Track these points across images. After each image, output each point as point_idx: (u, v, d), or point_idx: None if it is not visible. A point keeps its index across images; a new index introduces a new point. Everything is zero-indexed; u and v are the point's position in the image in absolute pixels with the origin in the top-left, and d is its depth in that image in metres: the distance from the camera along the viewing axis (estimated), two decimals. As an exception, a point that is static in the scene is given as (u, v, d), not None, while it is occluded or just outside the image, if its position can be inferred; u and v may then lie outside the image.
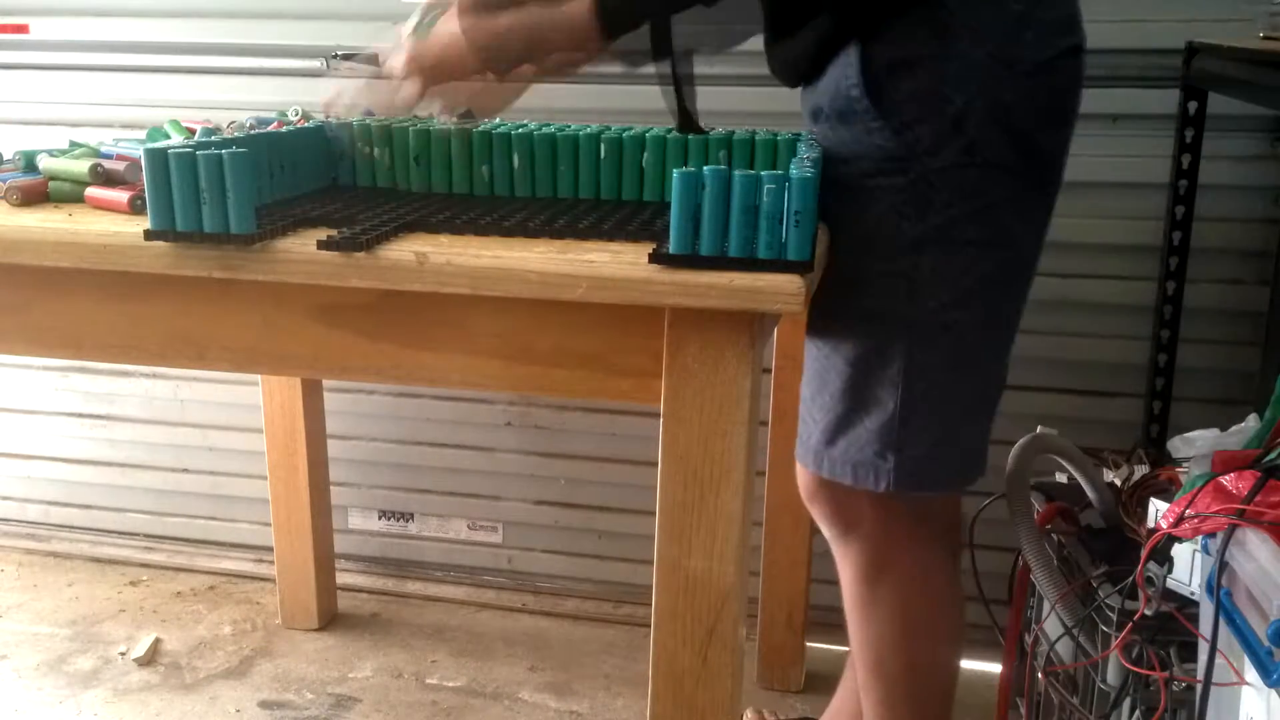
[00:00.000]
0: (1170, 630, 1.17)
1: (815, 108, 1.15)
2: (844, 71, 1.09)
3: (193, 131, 1.31)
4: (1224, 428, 1.23)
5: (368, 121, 1.26)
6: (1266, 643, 0.87)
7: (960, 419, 1.16)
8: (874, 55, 1.07)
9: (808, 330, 1.19)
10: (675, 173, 0.90)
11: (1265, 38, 1.58)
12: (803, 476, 1.26)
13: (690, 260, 0.91)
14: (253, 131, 1.21)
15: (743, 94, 1.79)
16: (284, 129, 1.23)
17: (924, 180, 1.07)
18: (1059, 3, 1.10)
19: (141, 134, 1.33)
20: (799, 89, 1.21)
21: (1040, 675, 1.41)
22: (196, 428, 2.23)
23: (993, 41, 1.05)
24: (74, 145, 1.28)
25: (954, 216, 1.08)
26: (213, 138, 1.14)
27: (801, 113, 1.21)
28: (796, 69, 1.17)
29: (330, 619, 2.03)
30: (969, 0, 1.05)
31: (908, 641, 1.23)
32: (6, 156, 1.25)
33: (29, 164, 1.21)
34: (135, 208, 1.07)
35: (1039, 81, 1.08)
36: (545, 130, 1.21)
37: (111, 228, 1.01)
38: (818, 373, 1.19)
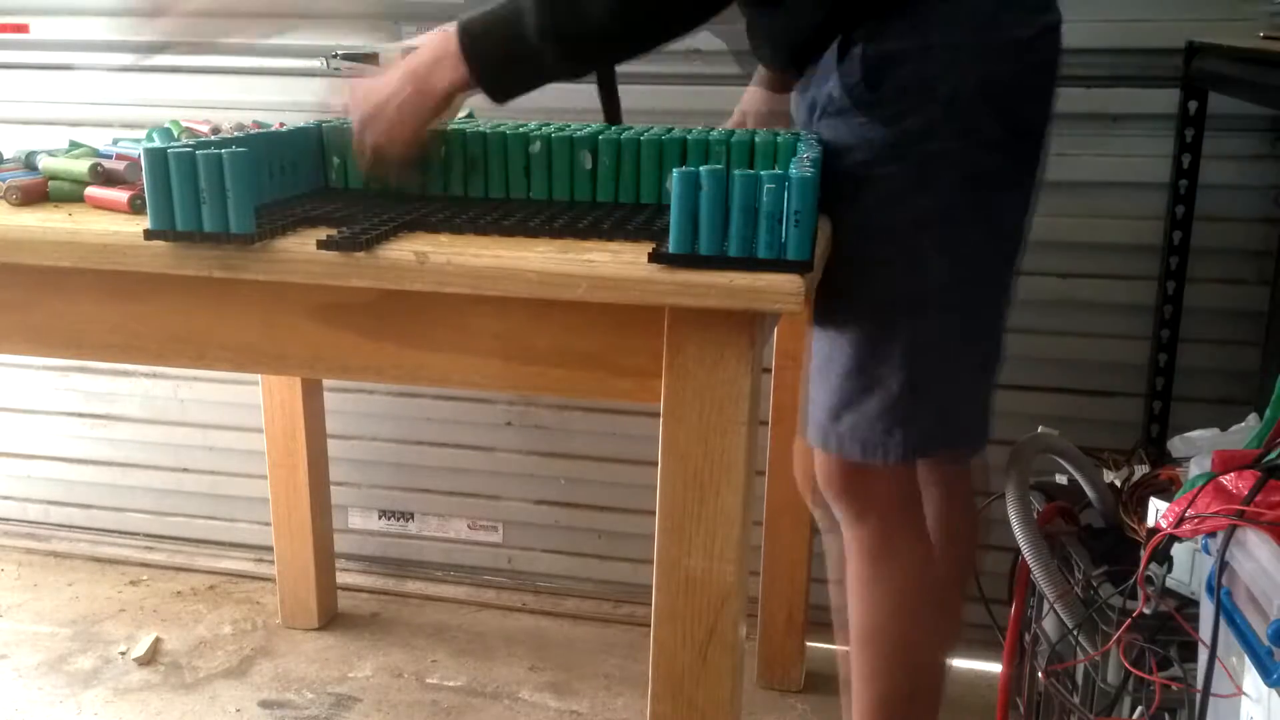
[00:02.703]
0: (1171, 630, 1.17)
1: (810, 104, 1.19)
2: (832, 70, 1.13)
3: (198, 134, 1.31)
4: (1224, 428, 1.23)
5: None
6: (1266, 642, 0.87)
7: (962, 391, 1.22)
8: (859, 53, 1.11)
9: (814, 317, 1.23)
10: (674, 172, 0.90)
11: (1265, 37, 1.58)
12: (817, 458, 1.29)
13: (690, 260, 0.91)
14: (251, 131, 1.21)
15: (742, 94, 1.78)
16: (284, 128, 1.23)
17: (920, 165, 1.11)
18: None
19: (141, 134, 1.33)
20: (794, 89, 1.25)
21: (1040, 675, 1.41)
22: (196, 427, 2.23)
23: (973, 24, 1.10)
24: (73, 145, 1.28)
25: (951, 198, 1.12)
26: (212, 137, 1.14)
27: (796, 110, 1.25)
28: (782, 55, 1.23)
29: (330, 618, 2.03)
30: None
31: (899, 622, 1.28)
32: (7, 156, 1.25)
33: (30, 164, 1.21)
34: (135, 207, 1.07)
35: (1021, 59, 1.13)
36: (545, 130, 1.21)
37: (111, 227, 1.01)
38: (823, 353, 1.22)
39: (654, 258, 0.92)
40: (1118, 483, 1.44)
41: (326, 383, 1.98)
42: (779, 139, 1.20)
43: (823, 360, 1.22)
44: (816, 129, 1.18)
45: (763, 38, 1.24)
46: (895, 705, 1.31)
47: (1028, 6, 1.14)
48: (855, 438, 1.20)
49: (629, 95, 1.40)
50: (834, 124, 1.15)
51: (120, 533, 2.33)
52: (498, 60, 1.05)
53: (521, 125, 1.26)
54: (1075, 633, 1.29)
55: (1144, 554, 1.11)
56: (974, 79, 1.09)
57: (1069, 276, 1.80)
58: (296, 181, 1.19)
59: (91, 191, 1.12)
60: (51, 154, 1.21)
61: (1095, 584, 1.29)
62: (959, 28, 1.10)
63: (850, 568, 1.31)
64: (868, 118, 1.11)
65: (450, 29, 1.06)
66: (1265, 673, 0.87)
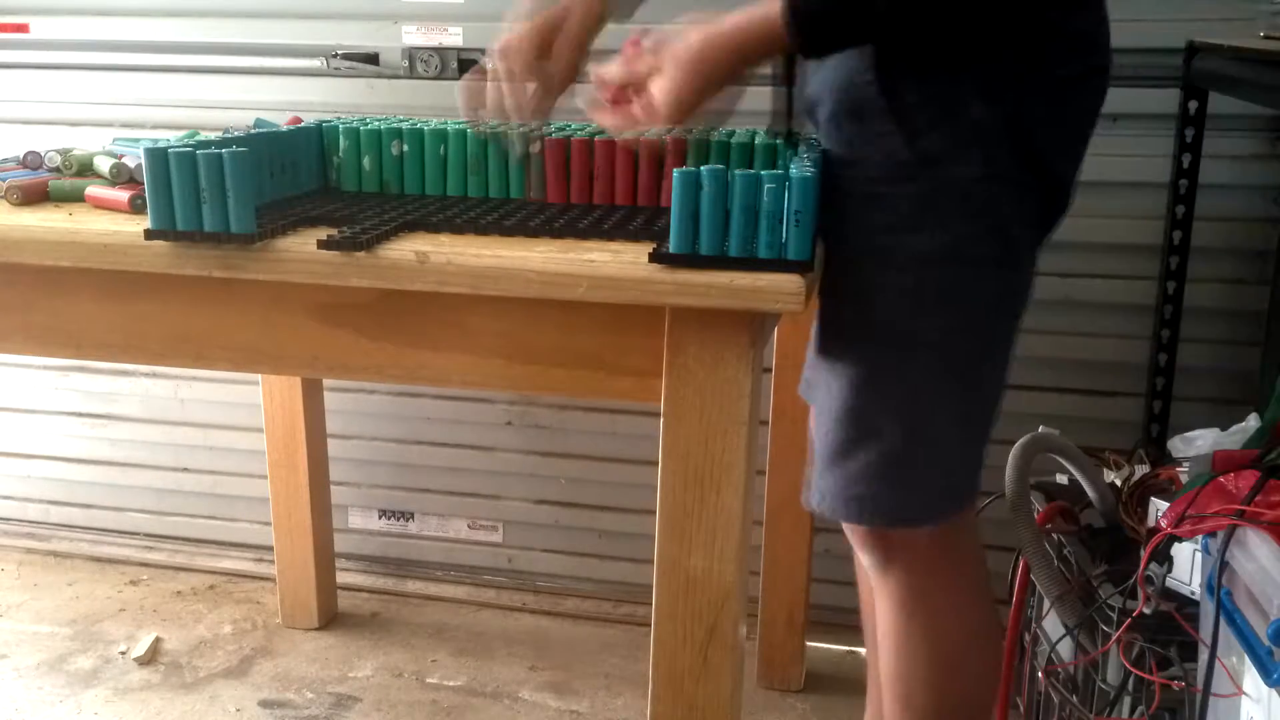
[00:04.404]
0: (1171, 630, 1.17)
1: (816, 99, 1.09)
2: (856, 64, 1.02)
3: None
4: (1224, 428, 1.23)
5: (372, 126, 1.26)
6: (1266, 642, 0.87)
7: (962, 445, 1.09)
8: (890, 51, 1.00)
9: (817, 349, 1.12)
10: (675, 172, 0.90)
11: (1265, 37, 1.58)
12: None
13: (690, 260, 0.91)
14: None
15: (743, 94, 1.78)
16: (284, 129, 1.23)
17: (936, 191, 1.00)
18: (1090, 18, 1.05)
19: (140, 134, 1.33)
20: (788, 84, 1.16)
21: (1040, 675, 1.41)
22: (196, 427, 2.23)
23: (1017, 50, 0.99)
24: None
25: (965, 233, 1.01)
26: (213, 136, 1.14)
27: (808, 91, 1.13)
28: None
29: (330, 618, 2.03)
30: (994, 4, 0.98)
31: (939, 678, 1.16)
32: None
33: (82, 167, 1.21)
34: (135, 207, 1.07)
35: (1063, 98, 1.02)
36: (545, 130, 1.21)
37: (111, 227, 1.01)
38: (820, 394, 1.11)
39: (654, 257, 0.92)
40: (1118, 482, 1.44)
41: (326, 383, 1.98)
42: (779, 139, 1.20)
43: (821, 401, 1.10)
44: (826, 129, 1.08)
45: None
46: None
47: (1080, 42, 1.03)
48: (840, 494, 1.07)
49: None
50: (844, 128, 1.05)
51: (120, 533, 2.33)
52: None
53: (522, 125, 1.26)
54: (1075, 633, 1.29)
55: (1144, 554, 1.12)
56: (1008, 109, 0.99)
57: (1069, 276, 1.80)
58: (297, 181, 1.19)
59: (92, 191, 1.12)
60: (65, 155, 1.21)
61: (1095, 584, 1.29)
62: (1000, 48, 0.99)
63: (880, 618, 1.20)
64: (884, 127, 1.00)
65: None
66: (1265, 673, 0.87)
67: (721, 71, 0.99)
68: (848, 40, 0.99)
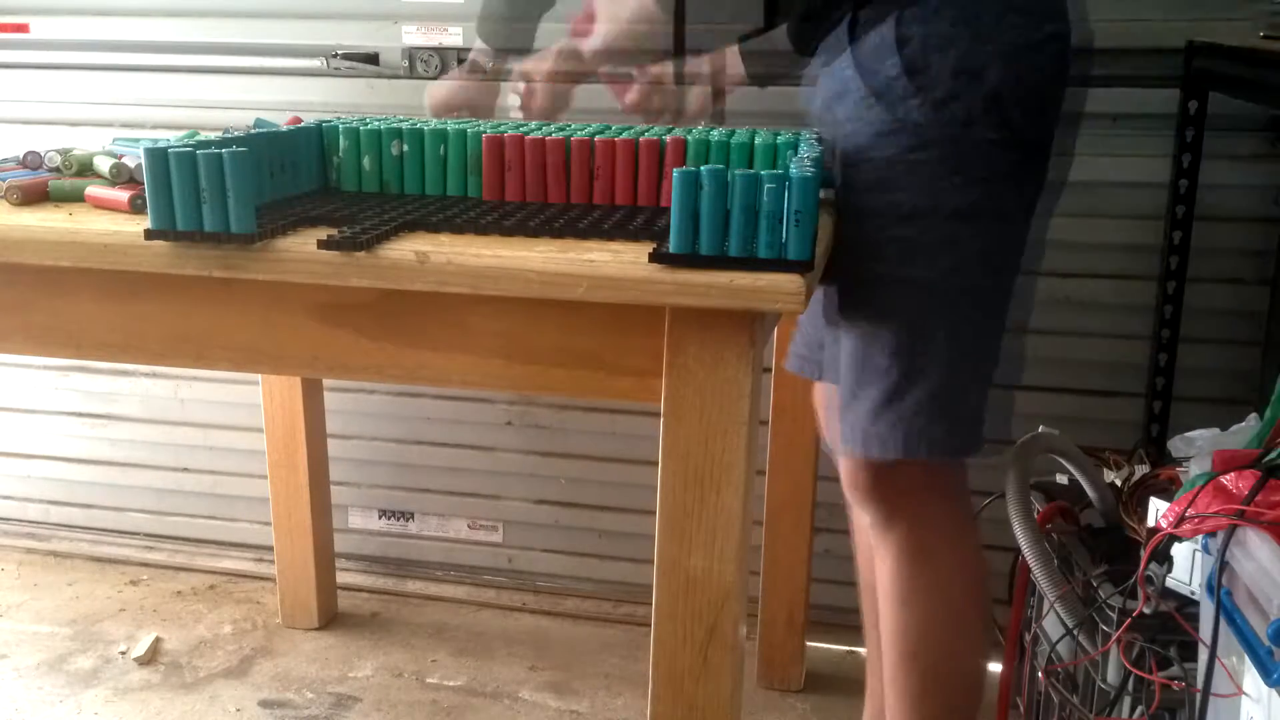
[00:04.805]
0: (1171, 629, 1.17)
1: (840, 91, 1.19)
2: (878, 50, 1.14)
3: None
4: (1224, 427, 1.23)
5: (372, 126, 1.26)
6: (1267, 642, 0.87)
7: (987, 383, 1.22)
8: (908, 34, 1.12)
9: (842, 316, 1.21)
10: (675, 172, 0.90)
11: (1265, 37, 1.58)
12: (842, 462, 1.27)
13: (690, 260, 0.91)
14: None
15: (743, 94, 1.78)
16: (284, 129, 1.23)
17: (960, 153, 1.12)
18: None
19: (140, 134, 1.33)
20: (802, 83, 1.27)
21: (1040, 675, 1.41)
22: (196, 427, 2.23)
23: (975, 23, 1.12)
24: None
25: (988, 189, 1.14)
26: (212, 136, 1.14)
27: (818, 97, 1.24)
28: (807, 37, 1.24)
29: (330, 618, 2.04)
30: None
31: (944, 630, 1.24)
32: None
33: (82, 167, 1.21)
34: (136, 207, 1.07)
35: (1022, 65, 1.14)
36: (545, 130, 1.21)
37: (111, 227, 1.01)
38: (857, 352, 1.20)
39: (654, 257, 0.92)
40: (1118, 482, 1.44)
41: (326, 383, 1.98)
42: (779, 139, 1.20)
43: (858, 359, 1.20)
44: (839, 117, 1.17)
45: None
46: None
47: (1032, 15, 1.14)
48: (896, 433, 1.17)
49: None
50: (871, 108, 1.15)
51: (120, 533, 2.33)
52: None
53: (521, 125, 1.26)
54: (1075, 633, 1.29)
55: (1144, 554, 1.11)
56: (1011, 75, 1.11)
57: (1069, 276, 1.80)
58: (297, 181, 1.19)
59: (92, 191, 1.12)
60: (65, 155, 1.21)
61: (1095, 584, 1.29)
62: (984, 24, 1.11)
63: (883, 575, 1.25)
64: (910, 101, 1.12)
65: None
66: (1265, 673, 0.87)
67: None
68: None
